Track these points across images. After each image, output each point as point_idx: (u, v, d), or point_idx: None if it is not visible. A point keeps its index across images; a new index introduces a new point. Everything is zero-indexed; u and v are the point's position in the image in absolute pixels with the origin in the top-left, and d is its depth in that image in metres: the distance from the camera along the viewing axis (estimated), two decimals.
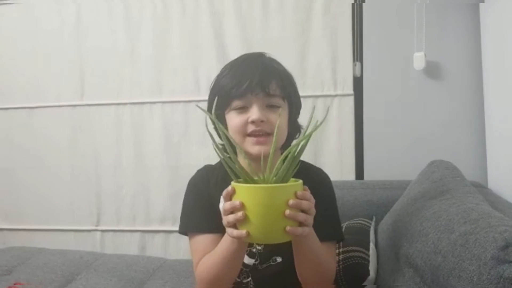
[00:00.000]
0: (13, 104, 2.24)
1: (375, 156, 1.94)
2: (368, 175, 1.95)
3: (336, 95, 1.97)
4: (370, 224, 1.50)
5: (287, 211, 0.77)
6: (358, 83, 1.96)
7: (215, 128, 0.99)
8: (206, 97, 2.07)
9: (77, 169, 2.21)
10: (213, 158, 2.08)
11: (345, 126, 1.97)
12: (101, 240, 2.21)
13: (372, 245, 1.34)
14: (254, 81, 1.00)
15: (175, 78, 2.09)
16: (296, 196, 0.79)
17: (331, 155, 1.97)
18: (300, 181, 0.83)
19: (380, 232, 1.43)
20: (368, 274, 1.21)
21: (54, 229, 2.25)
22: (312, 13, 1.96)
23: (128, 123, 2.15)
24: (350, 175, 1.96)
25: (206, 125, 0.89)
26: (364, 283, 1.20)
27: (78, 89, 2.18)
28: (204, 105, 2.11)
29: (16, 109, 2.25)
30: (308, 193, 0.82)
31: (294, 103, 1.08)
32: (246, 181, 0.83)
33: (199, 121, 2.06)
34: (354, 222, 1.50)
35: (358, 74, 1.95)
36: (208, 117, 0.90)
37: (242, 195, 0.80)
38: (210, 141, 2.13)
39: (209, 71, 2.03)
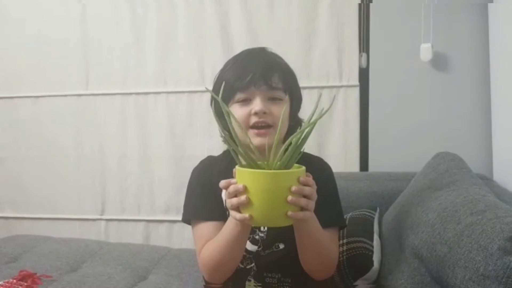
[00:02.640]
0: (19, 93, 2.25)
1: (380, 147, 1.93)
2: (372, 167, 1.94)
3: (341, 86, 1.97)
4: (374, 215, 1.50)
5: (289, 197, 0.80)
6: (364, 74, 1.94)
7: (217, 121, 1.00)
8: (211, 88, 2.08)
9: (82, 158, 2.22)
10: (217, 148, 2.10)
11: (350, 117, 1.96)
12: (106, 229, 2.23)
13: (376, 236, 1.34)
14: (256, 74, 1.03)
15: (180, 68, 2.09)
16: (298, 181, 0.82)
17: (336, 146, 1.97)
18: (303, 168, 0.85)
19: (384, 223, 1.44)
20: (372, 265, 1.21)
21: (59, 218, 2.27)
22: (318, 3, 1.95)
23: (133, 113, 2.15)
24: (355, 167, 1.96)
25: (213, 111, 0.91)
26: (368, 274, 1.20)
27: (83, 78, 2.18)
28: (209, 96, 2.12)
29: (21, 98, 2.25)
30: (310, 179, 0.84)
31: (295, 97, 1.11)
32: (250, 166, 0.85)
33: (204, 112, 2.07)
34: (358, 213, 1.50)
35: (364, 65, 1.93)
36: (212, 106, 0.92)
37: (246, 179, 0.82)
38: (215, 131, 2.14)
39: (214, 62, 2.03)
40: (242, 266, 1.10)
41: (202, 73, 2.07)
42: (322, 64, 1.96)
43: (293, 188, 0.80)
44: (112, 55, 2.14)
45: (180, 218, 2.11)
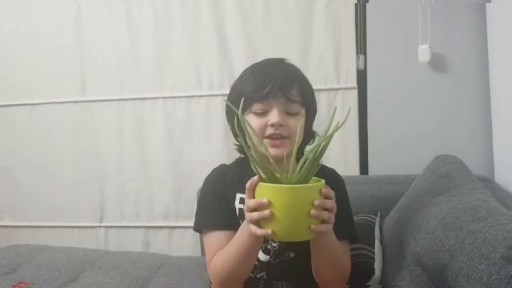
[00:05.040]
0: (15, 101, 2.24)
1: (379, 150, 1.92)
2: (372, 170, 1.93)
3: (339, 89, 1.95)
4: (375, 220, 1.49)
5: (313, 211, 0.80)
6: (361, 76, 1.93)
7: (231, 129, 1.01)
8: (208, 92, 2.09)
9: (80, 165, 2.21)
10: (216, 153, 2.09)
11: (349, 119, 1.92)
12: (105, 236, 2.22)
13: (377, 242, 1.33)
14: (276, 86, 1.03)
15: (176, 73, 2.08)
16: (320, 194, 0.82)
17: (335, 149, 1.95)
18: (323, 180, 0.85)
19: (385, 228, 1.42)
20: (374, 273, 1.20)
21: (58, 226, 2.26)
22: (315, 6, 1.94)
23: (130, 119, 2.14)
24: (355, 170, 1.95)
25: (235, 127, 0.92)
26: (370, 282, 1.19)
27: (80, 85, 2.17)
28: (206, 101, 2.11)
29: (18, 106, 2.24)
30: (331, 192, 0.85)
31: (311, 109, 1.12)
32: (270, 180, 0.84)
33: (202, 116, 2.06)
34: (359, 218, 1.48)
35: (361, 67, 1.92)
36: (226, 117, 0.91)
37: (267, 194, 0.82)
38: (213, 136, 2.13)
39: (210, 66, 2.03)
40: (253, 275, 1.10)
41: (199, 77, 2.06)
42: (319, 67, 1.95)
43: (316, 202, 0.80)
44: (108, 61, 2.13)
45: (179, 223, 2.14)
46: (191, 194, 2.01)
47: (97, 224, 2.22)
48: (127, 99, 2.13)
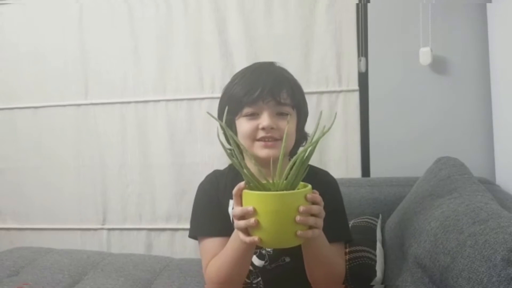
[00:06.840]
0: (18, 104, 2.25)
1: (381, 152, 1.93)
2: (374, 172, 1.93)
3: (341, 91, 1.96)
4: (377, 222, 1.49)
5: (298, 217, 0.79)
6: (363, 78, 1.94)
7: (224, 134, 1.01)
8: (210, 95, 2.09)
9: (82, 168, 2.22)
10: (218, 155, 2.09)
11: (351, 122, 1.95)
12: (108, 238, 2.22)
13: (379, 244, 1.33)
14: (265, 89, 1.03)
15: (178, 76, 2.08)
16: (306, 200, 0.81)
17: (337, 152, 1.96)
18: (309, 186, 0.85)
19: (387, 230, 1.42)
20: (375, 275, 1.20)
21: (60, 228, 2.26)
22: (316, 8, 1.94)
23: (133, 122, 2.15)
24: (356, 172, 1.95)
25: (218, 135, 0.91)
26: (371, 284, 1.19)
27: (82, 88, 2.18)
28: (208, 103, 2.12)
29: (21, 109, 2.25)
30: (318, 197, 0.84)
31: (302, 111, 1.12)
32: (256, 187, 0.85)
33: (204, 119, 2.07)
34: (360, 220, 1.49)
35: (363, 69, 1.93)
36: (218, 123, 0.93)
37: (253, 202, 0.82)
38: (215, 138, 2.13)
39: (212, 68, 2.04)
40: (249, 281, 1.11)
41: (201, 80, 2.06)
42: (321, 69, 1.96)
43: (301, 208, 0.79)
44: (110, 64, 2.14)
45: (182, 225, 2.14)
46: (193, 196, 2.01)
47: (100, 226, 2.22)
48: (129, 102, 2.14)
